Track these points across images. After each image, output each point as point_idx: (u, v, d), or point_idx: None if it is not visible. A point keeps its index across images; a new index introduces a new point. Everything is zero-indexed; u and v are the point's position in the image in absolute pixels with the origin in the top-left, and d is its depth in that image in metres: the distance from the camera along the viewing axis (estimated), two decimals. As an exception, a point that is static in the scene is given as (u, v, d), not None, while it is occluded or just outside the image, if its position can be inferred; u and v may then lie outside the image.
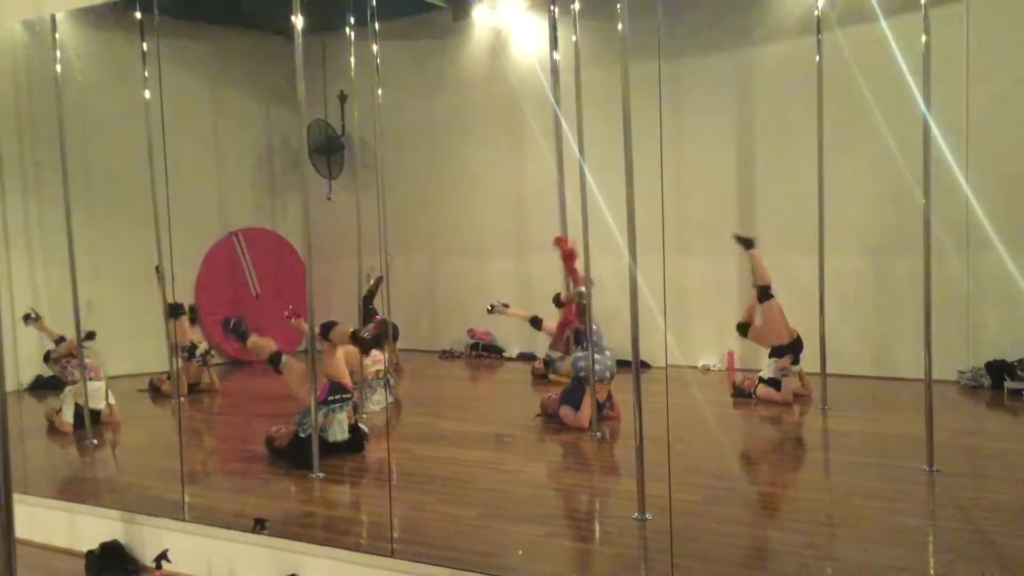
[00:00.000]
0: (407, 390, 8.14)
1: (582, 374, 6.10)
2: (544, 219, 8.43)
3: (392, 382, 7.32)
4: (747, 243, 6.94)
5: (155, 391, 7.97)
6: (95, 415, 6.60)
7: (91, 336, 6.83)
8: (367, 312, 8.07)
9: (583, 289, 6.45)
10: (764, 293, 6.78)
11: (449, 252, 9.87)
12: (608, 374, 6.16)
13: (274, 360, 5.65)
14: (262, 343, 5.83)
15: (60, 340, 6.98)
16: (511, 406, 7.35)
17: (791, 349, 6.76)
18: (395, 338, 8.45)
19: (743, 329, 7.05)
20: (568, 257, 6.57)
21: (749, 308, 7.04)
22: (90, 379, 6.57)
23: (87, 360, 6.61)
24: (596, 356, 5.94)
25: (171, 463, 5.07)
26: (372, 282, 8.00)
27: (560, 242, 6.72)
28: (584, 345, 6.32)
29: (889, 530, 3.97)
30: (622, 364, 5.99)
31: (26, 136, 8.29)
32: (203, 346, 8.10)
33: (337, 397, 5.59)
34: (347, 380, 5.78)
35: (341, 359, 5.81)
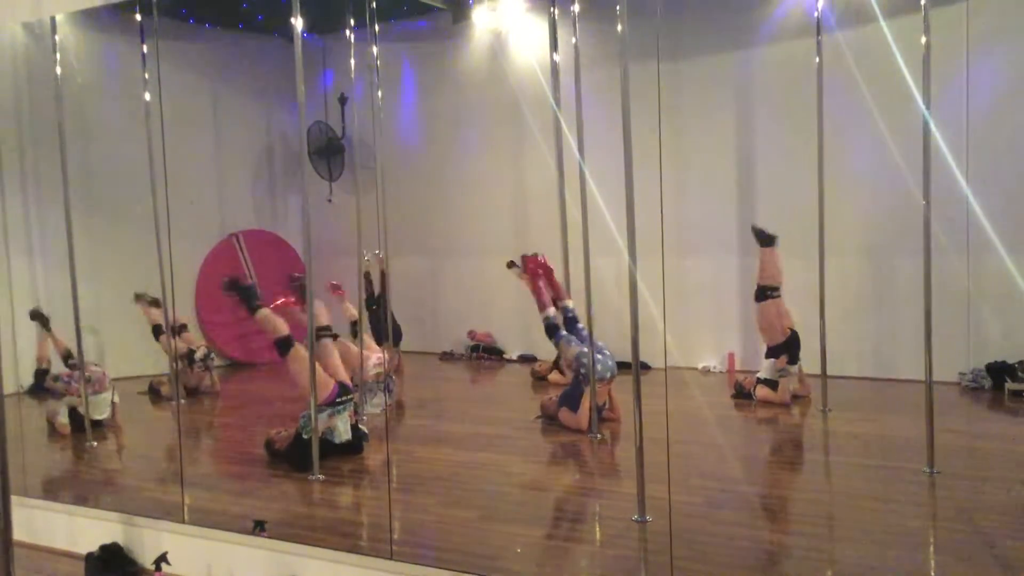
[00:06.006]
0: (408, 392, 8.13)
1: (583, 370, 6.09)
2: (544, 220, 8.43)
3: (392, 384, 7.32)
4: (766, 239, 6.67)
5: (155, 394, 7.96)
6: (96, 422, 6.59)
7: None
8: (371, 314, 8.11)
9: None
10: (761, 293, 6.76)
11: (449, 253, 9.86)
12: (608, 374, 6.15)
13: (281, 344, 5.34)
14: (273, 321, 5.36)
15: (67, 356, 6.82)
16: (511, 408, 7.34)
17: (786, 348, 6.75)
18: (396, 340, 8.46)
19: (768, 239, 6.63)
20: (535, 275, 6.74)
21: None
22: (95, 392, 6.56)
23: (95, 367, 6.63)
24: (596, 356, 5.94)
25: (171, 465, 5.07)
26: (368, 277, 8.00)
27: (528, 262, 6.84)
28: (572, 331, 6.48)
29: (890, 532, 3.96)
30: (622, 366, 5.98)
31: (26, 138, 8.28)
32: (201, 350, 8.07)
33: (346, 398, 5.59)
34: (347, 380, 5.78)
35: (339, 359, 5.81)
